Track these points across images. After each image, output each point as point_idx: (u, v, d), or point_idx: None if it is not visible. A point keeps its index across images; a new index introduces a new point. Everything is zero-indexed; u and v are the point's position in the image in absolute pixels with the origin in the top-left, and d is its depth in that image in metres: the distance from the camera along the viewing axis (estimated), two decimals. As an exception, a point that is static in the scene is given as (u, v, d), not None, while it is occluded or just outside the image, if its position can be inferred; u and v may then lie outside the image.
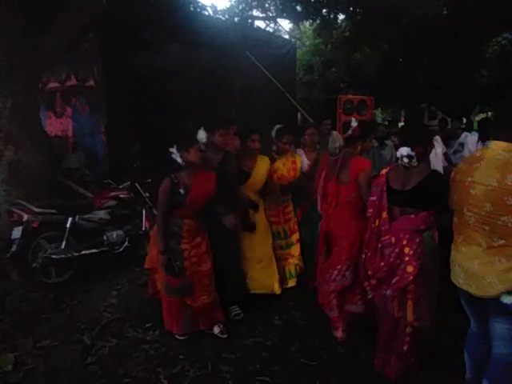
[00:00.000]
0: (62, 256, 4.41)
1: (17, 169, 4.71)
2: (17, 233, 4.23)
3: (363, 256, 2.85)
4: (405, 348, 2.66)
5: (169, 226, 3.26)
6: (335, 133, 5.94)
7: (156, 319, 3.69)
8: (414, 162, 2.59)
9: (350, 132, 3.33)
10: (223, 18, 7.71)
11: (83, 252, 4.56)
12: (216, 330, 3.49)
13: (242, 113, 6.83)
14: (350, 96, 10.02)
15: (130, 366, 3.09)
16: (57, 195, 4.89)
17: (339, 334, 3.28)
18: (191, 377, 2.96)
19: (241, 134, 3.97)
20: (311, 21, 9.23)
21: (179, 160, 3.19)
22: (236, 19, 7.88)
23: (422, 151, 2.63)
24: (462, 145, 5.67)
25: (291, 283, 4.16)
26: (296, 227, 4.19)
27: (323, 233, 3.41)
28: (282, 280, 4.08)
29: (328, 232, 3.37)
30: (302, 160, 4.20)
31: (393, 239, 2.63)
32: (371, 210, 2.77)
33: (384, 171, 2.80)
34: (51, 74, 6.97)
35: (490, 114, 16.36)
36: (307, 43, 15.25)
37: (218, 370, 3.02)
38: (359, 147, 3.35)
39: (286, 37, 14.55)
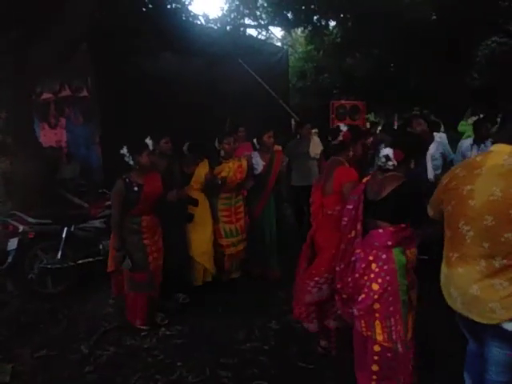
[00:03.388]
0: (58, 266, 4.40)
1: (11, 180, 4.72)
2: (13, 244, 4.23)
3: (337, 268, 2.67)
4: (373, 368, 2.45)
5: (129, 224, 3.61)
6: (316, 138, 5.98)
7: (153, 327, 3.71)
8: (390, 165, 2.45)
9: (340, 138, 3.11)
10: (215, 27, 7.79)
11: (79, 261, 4.55)
12: (157, 317, 3.82)
13: (236, 120, 6.85)
14: (342, 101, 10.07)
15: (128, 374, 3.09)
16: (52, 206, 4.90)
17: (323, 343, 3.24)
18: (189, 383, 2.97)
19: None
20: (302, 28, 9.34)
21: (131, 162, 3.56)
22: (228, 28, 7.97)
23: (402, 157, 2.43)
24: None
25: (236, 274, 4.63)
26: (245, 226, 4.57)
27: (309, 241, 3.27)
28: (230, 272, 4.56)
29: (313, 241, 3.24)
30: (257, 161, 4.54)
31: (362, 254, 2.48)
32: (346, 219, 2.62)
33: (365, 179, 2.66)
34: (45, 84, 6.99)
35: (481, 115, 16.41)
36: (299, 50, 15.40)
37: (216, 376, 3.03)
38: (351, 153, 3.14)
39: (278, 44, 14.73)
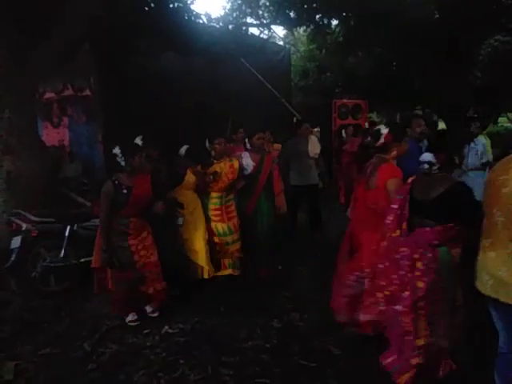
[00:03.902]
0: (61, 264, 4.43)
1: (15, 179, 4.74)
2: (16, 242, 4.25)
3: (380, 266, 2.76)
4: (416, 361, 2.51)
5: (116, 225, 3.60)
6: (314, 137, 6.01)
7: (155, 325, 3.72)
8: (435, 170, 2.55)
9: (382, 140, 3.19)
10: (217, 26, 7.79)
11: (82, 260, 4.55)
12: (149, 309, 3.89)
13: (238, 119, 6.86)
14: (344, 100, 10.10)
15: (131, 372, 3.10)
16: (55, 204, 4.92)
17: (352, 329, 3.25)
18: (191, 381, 2.98)
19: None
20: (305, 27, 9.35)
21: (123, 163, 3.55)
22: (230, 27, 7.98)
23: (445, 160, 2.56)
24: None
25: (235, 272, 4.57)
26: (238, 226, 4.57)
27: (349, 236, 3.34)
28: (228, 268, 4.54)
29: (353, 236, 3.31)
30: (247, 162, 4.55)
31: (407, 252, 2.53)
32: (391, 218, 2.69)
33: (410, 179, 2.74)
34: (47, 84, 7.01)
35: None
36: (301, 49, 15.40)
37: (218, 374, 3.04)
38: (394, 153, 3.21)
39: (281, 43, 14.72)
